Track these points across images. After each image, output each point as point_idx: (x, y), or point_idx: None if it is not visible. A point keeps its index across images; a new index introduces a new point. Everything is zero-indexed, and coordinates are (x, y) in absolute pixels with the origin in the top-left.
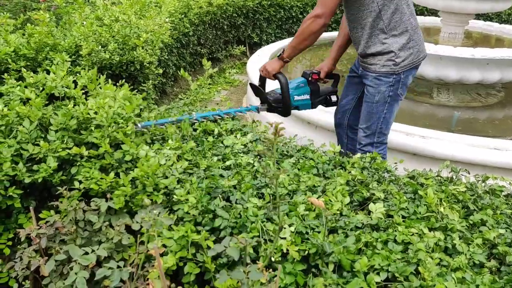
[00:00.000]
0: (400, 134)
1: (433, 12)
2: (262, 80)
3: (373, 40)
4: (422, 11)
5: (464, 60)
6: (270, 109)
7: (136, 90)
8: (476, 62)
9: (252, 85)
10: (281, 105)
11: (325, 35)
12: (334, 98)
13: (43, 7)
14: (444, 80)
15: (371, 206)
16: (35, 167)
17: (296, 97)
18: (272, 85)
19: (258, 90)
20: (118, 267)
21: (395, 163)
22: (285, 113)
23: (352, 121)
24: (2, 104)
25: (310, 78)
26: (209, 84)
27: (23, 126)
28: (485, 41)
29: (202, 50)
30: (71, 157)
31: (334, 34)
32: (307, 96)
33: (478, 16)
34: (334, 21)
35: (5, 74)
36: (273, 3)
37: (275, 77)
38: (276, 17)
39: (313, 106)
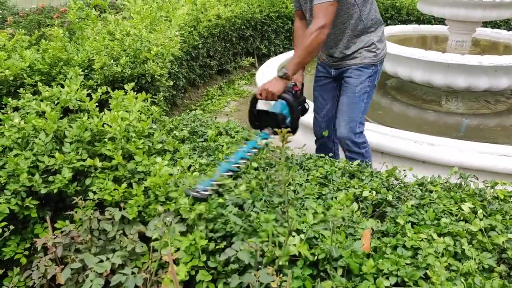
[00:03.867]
0: (408, 141)
1: (440, 21)
2: (255, 104)
3: (353, 41)
4: (429, 19)
5: (472, 67)
6: (276, 132)
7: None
8: (484, 69)
9: (254, 111)
10: (290, 125)
11: None
12: (307, 105)
13: (57, 23)
14: (452, 88)
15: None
16: (50, 178)
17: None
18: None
19: (261, 115)
20: (133, 273)
21: (404, 170)
22: (294, 132)
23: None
24: (18, 117)
25: (293, 91)
26: (219, 95)
27: (39, 139)
28: (493, 49)
29: (211, 62)
30: (85, 169)
31: None
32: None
33: (486, 24)
34: None
35: (21, 89)
36: (280, 15)
37: (280, 97)
38: (284, 28)
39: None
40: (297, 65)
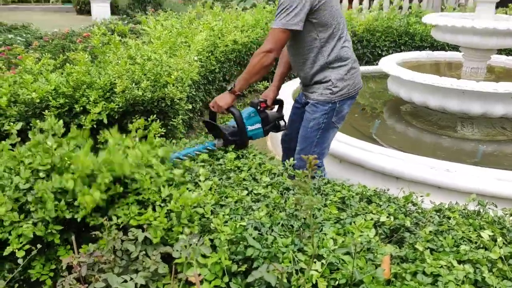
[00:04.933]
0: (424, 167)
1: (454, 47)
2: (213, 116)
3: (314, 72)
4: (443, 46)
5: (487, 94)
6: (226, 143)
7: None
8: (499, 96)
9: (206, 122)
10: (238, 137)
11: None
12: (282, 123)
13: (80, 48)
14: (468, 114)
15: None
16: (76, 202)
17: (250, 127)
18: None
19: (213, 126)
20: None
21: (421, 196)
22: (242, 145)
23: None
24: (52, 140)
25: (259, 107)
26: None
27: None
28: (508, 76)
29: (227, 86)
30: (110, 198)
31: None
32: (259, 125)
33: (500, 51)
34: None
35: (46, 111)
36: None
37: (227, 111)
38: None
39: (265, 133)
40: (243, 82)
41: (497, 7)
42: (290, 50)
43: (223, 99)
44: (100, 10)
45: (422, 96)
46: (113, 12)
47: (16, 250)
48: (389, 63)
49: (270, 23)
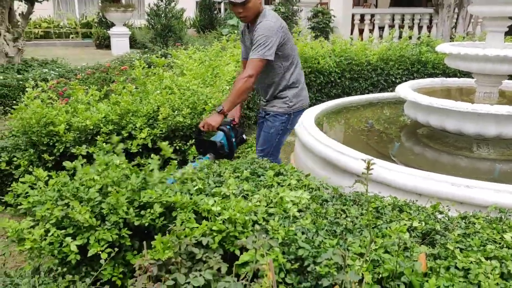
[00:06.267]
0: (445, 184)
1: (466, 74)
2: (199, 134)
3: (276, 92)
4: (455, 73)
5: (501, 116)
6: (217, 157)
7: None
8: None
9: (199, 140)
10: (228, 151)
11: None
12: (245, 136)
13: (122, 79)
14: (483, 136)
15: None
16: (142, 212)
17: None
18: None
19: (204, 144)
20: (233, 281)
21: (447, 206)
22: (231, 157)
23: None
24: (118, 159)
25: (231, 125)
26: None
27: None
28: None
29: (250, 113)
30: (171, 204)
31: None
32: (234, 139)
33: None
34: None
35: (98, 136)
36: (313, 70)
37: (218, 129)
38: (316, 82)
39: (237, 146)
40: (230, 103)
41: (505, 35)
42: (263, 75)
43: (213, 120)
44: (120, 44)
45: (439, 120)
46: (131, 46)
47: (100, 252)
48: (406, 90)
49: None
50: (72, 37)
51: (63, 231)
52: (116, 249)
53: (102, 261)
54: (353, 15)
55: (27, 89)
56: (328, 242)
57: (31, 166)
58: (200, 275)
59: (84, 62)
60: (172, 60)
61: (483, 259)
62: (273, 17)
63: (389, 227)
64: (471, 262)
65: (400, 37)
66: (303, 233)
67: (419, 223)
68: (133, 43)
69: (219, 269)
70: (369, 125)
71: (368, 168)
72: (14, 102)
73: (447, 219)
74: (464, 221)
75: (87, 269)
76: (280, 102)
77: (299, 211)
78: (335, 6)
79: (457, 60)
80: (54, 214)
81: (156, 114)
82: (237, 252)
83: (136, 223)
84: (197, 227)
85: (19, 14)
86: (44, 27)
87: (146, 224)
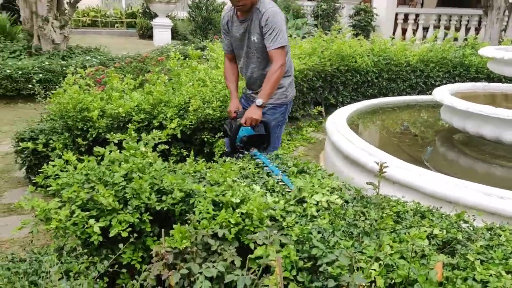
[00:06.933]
0: (478, 193)
1: (511, 79)
2: (237, 132)
3: None
4: (500, 78)
5: None
6: (260, 150)
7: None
8: None
9: (248, 137)
10: (266, 143)
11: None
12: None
13: (157, 70)
14: None
15: None
16: (163, 197)
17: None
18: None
19: (252, 139)
20: (242, 275)
21: (473, 215)
22: (268, 147)
23: None
24: (143, 146)
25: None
26: (288, 140)
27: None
28: None
29: None
30: (191, 191)
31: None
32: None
33: None
34: None
35: (129, 124)
36: (350, 68)
37: (261, 122)
38: (352, 81)
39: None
40: (268, 95)
41: None
42: (261, 65)
43: (256, 113)
44: (162, 35)
45: (477, 126)
46: (173, 37)
47: (121, 232)
48: (443, 93)
49: (326, 51)
50: (117, 27)
51: (87, 213)
52: (136, 235)
53: (121, 245)
54: (396, 14)
55: (67, 75)
56: (343, 244)
57: (65, 150)
58: (214, 266)
59: (126, 51)
60: (208, 53)
61: (503, 273)
62: (272, 3)
63: (408, 233)
64: (491, 275)
65: (444, 39)
66: (319, 232)
67: (440, 230)
68: (175, 34)
69: (233, 262)
70: (404, 127)
71: (380, 171)
72: (56, 87)
73: (471, 229)
74: (489, 232)
75: (107, 252)
76: (277, 92)
77: (318, 210)
78: (379, 4)
79: (501, 65)
80: (80, 197)
81: (187, 105)
82: (252, 245)
83: (158, 208)
84: (216, 216)
85: (67, 3)
86: (91, 16)
87: (165, 209)
